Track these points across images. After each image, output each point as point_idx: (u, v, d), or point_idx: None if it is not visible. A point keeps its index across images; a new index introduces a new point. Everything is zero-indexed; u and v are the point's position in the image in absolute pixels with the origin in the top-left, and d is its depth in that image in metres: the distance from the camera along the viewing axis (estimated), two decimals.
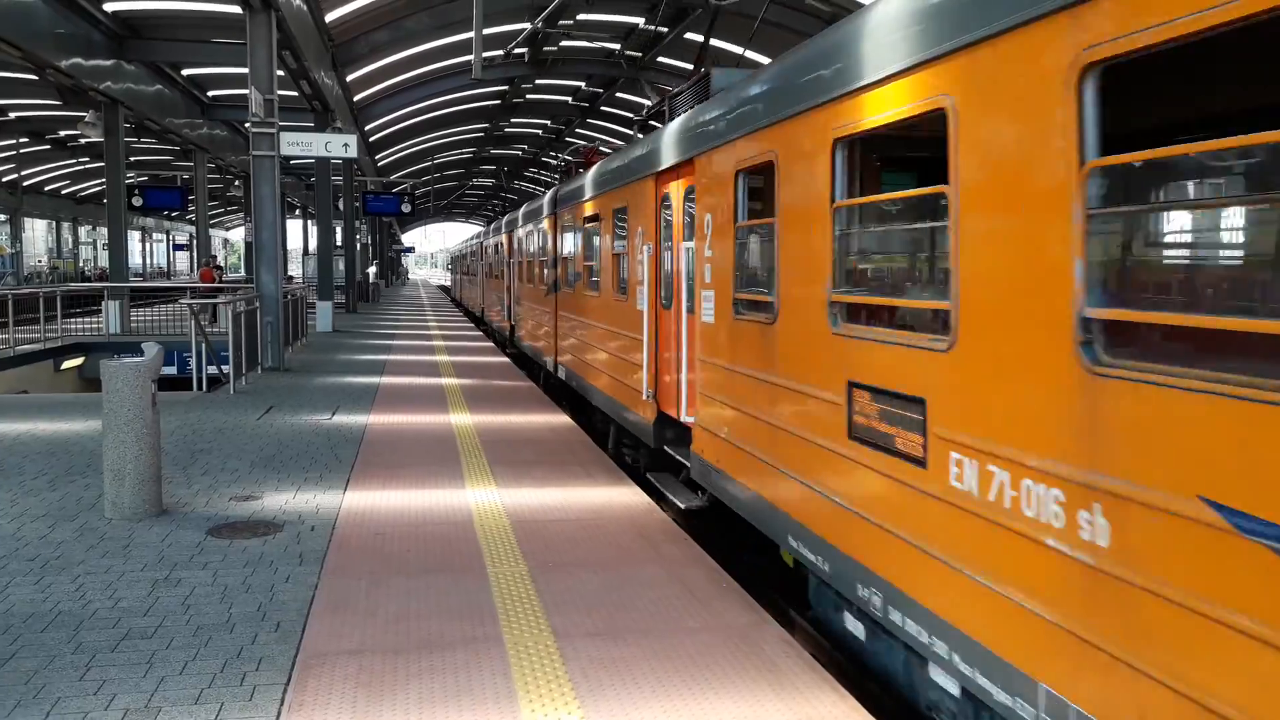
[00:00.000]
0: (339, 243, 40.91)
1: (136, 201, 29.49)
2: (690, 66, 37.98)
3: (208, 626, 5.25)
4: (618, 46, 36.18)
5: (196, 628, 5.24)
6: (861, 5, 21.94)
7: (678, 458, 8.76)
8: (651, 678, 4.67)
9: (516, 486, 8.55)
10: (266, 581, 6.00)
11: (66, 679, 4.57)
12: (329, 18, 25.93)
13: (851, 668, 6.16)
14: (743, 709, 4.37)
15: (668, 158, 8.87)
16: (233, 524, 7.30)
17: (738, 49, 34.64)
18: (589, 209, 12.86)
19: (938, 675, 4.50)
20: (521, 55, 36.79)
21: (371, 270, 52.49)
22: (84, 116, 24.59)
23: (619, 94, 45.31)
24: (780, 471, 6.10)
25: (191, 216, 49.24)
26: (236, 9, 18.96)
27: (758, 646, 5.10)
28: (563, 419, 12.53)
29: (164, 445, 10.06)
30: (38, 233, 69.69)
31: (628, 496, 8.30)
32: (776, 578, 7.70)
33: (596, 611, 5.54)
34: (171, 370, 20.41)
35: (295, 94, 26.13)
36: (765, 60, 30.79)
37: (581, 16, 31.65)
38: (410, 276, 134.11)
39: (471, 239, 32.54)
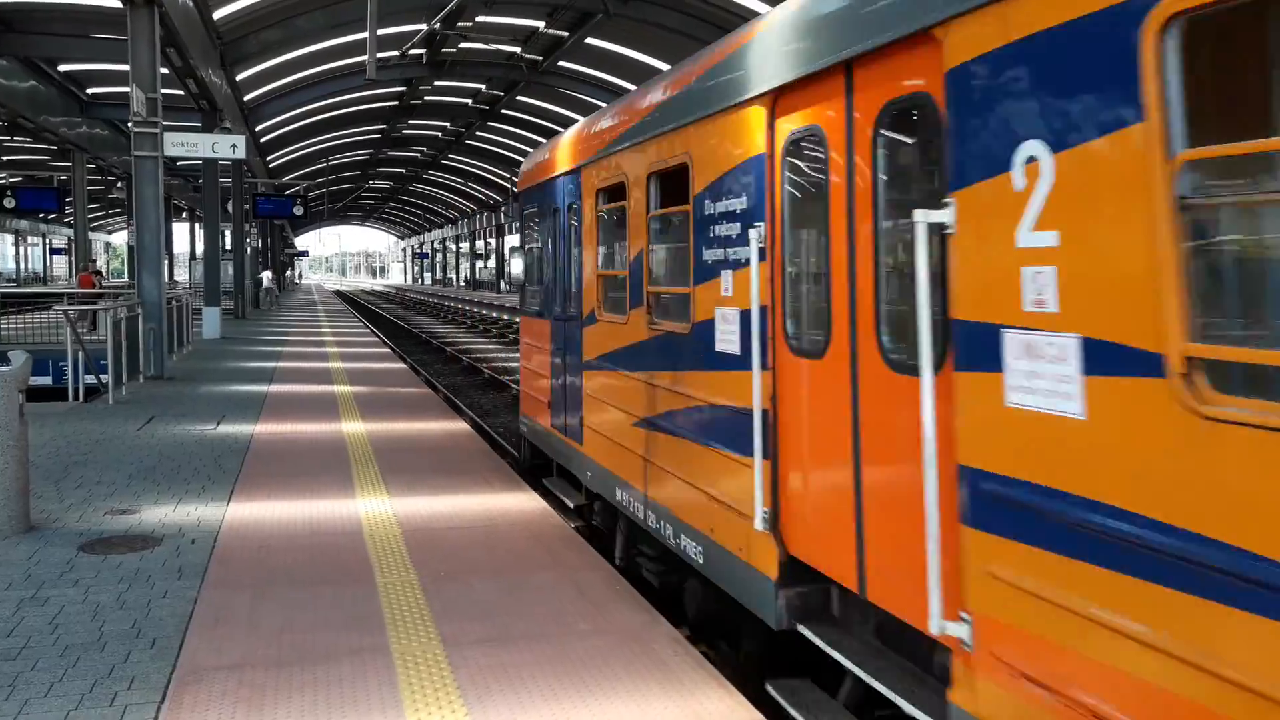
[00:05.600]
0: (228, 247, 39.64)
1: (9, 203, 28.07)
2: (593, 71, 38.09)
3: (77, 646, 5.03)
4: (518, 49, 35.99)
5: (65, 648, 5.01)
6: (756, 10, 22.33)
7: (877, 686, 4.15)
8: (541, 682, 4.66)
9: (410, 495, 8.43)
10: (142, 597, 5.77)
11: None
12: (217, 15, 25.14)
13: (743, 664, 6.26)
14: (632, 709, 4.40)
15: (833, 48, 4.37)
16: (107, 539, 7.00)
17: (635, 54, 34.91)
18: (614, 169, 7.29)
19: None
20: (419, 56, 36.34)
21: (266, 275, 50.99)
22: None
23: (520, 97, 45.15)
24: None
25: (70, 219, 47.02)
26: (116, 3, 18.23)
27: (649, 647, 5.14)
28: (461, 426, 12.40)
29: (33, 458, 9.58)
30: None
31: (525, 503, 8.26)
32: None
33: (488, 618, 5.50)
34: (46, 380, 19.42)
35: (181, 92, 25.24)
36: (663, 66, 31.10)
37: (480, 18, 31.43)
38: (304, 281, 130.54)
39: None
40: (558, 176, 8.93)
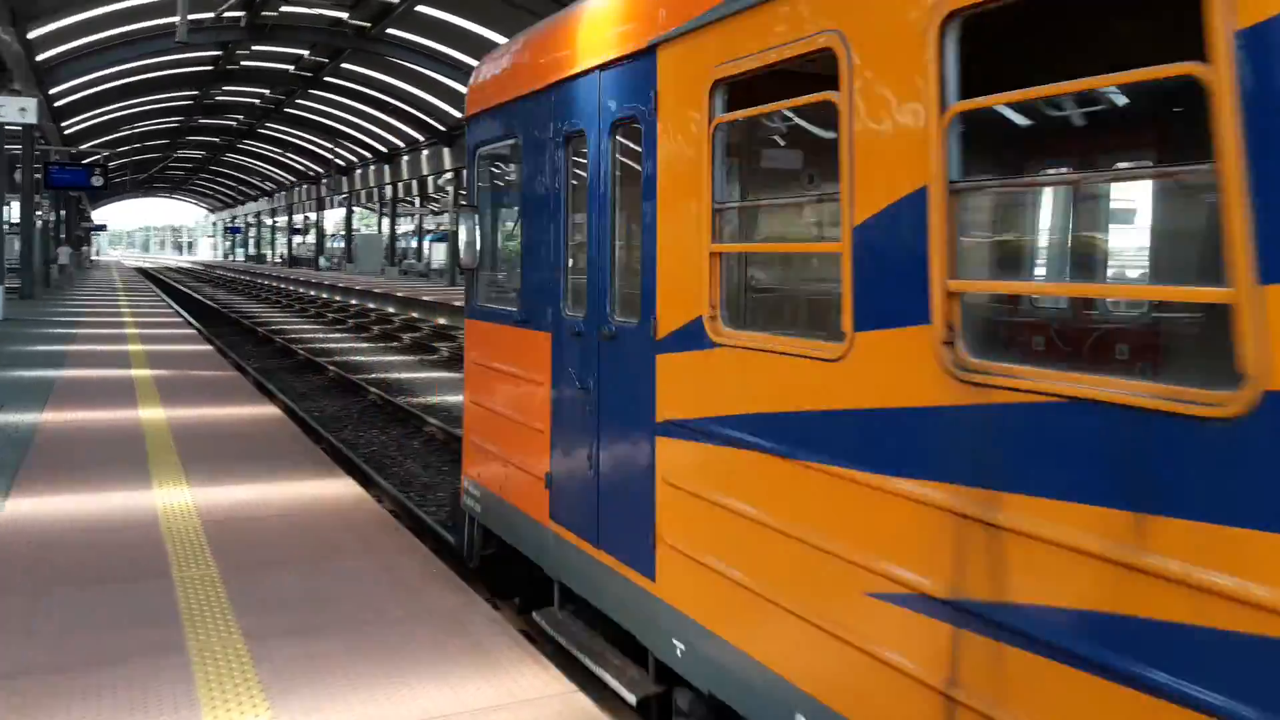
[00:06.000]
0: (15, 220, 36.32)
1: None
2: (424, 41, 36.93)
3: None
4: (345, 15, 34.62)
5: None
6: None
7: None
8: (351, 671, 4.53)
9: (212, 484, 7.99)
10: None
11: None
12: None
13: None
14: (444, 692, 4.35)
15: None
16: None
17: (469, 24, 34.24)
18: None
19: None
20: (236, 19, 34.38)
21: (64, 252, 47.09)
22: None
23: (345, 65, 43.49)
24: None
25: None
26: None
27: (465, 628, 5.09)
28: (271, 411, 11.88)
29: None
30: None
31: (338, 489, 8.00)
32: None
33: (295, 609, 5.30)
34: None
35: None
36: (500, 39, 30.59)
37: None
38: (101, 258, 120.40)
39: None
40: (584, 74, 5.01)
